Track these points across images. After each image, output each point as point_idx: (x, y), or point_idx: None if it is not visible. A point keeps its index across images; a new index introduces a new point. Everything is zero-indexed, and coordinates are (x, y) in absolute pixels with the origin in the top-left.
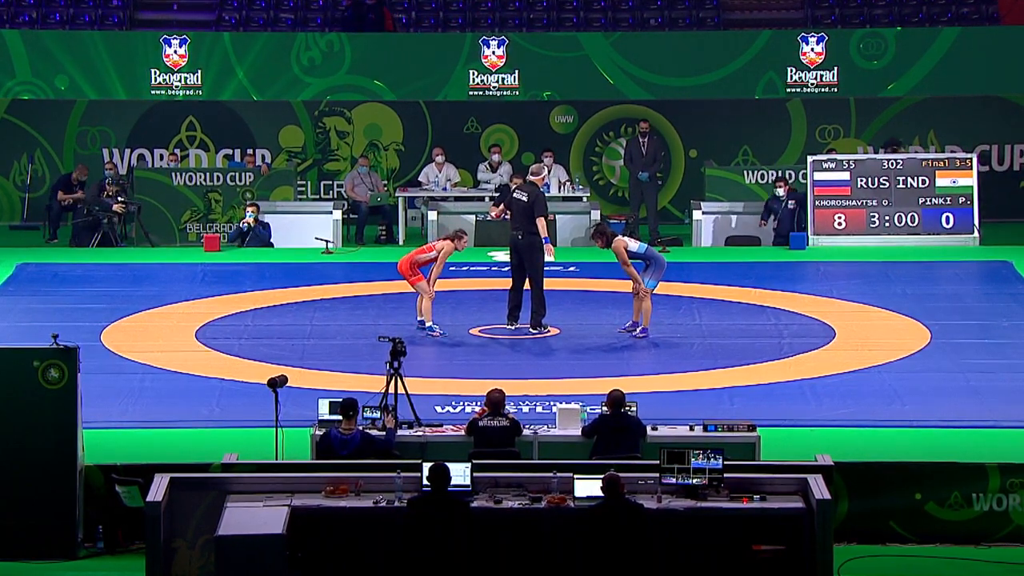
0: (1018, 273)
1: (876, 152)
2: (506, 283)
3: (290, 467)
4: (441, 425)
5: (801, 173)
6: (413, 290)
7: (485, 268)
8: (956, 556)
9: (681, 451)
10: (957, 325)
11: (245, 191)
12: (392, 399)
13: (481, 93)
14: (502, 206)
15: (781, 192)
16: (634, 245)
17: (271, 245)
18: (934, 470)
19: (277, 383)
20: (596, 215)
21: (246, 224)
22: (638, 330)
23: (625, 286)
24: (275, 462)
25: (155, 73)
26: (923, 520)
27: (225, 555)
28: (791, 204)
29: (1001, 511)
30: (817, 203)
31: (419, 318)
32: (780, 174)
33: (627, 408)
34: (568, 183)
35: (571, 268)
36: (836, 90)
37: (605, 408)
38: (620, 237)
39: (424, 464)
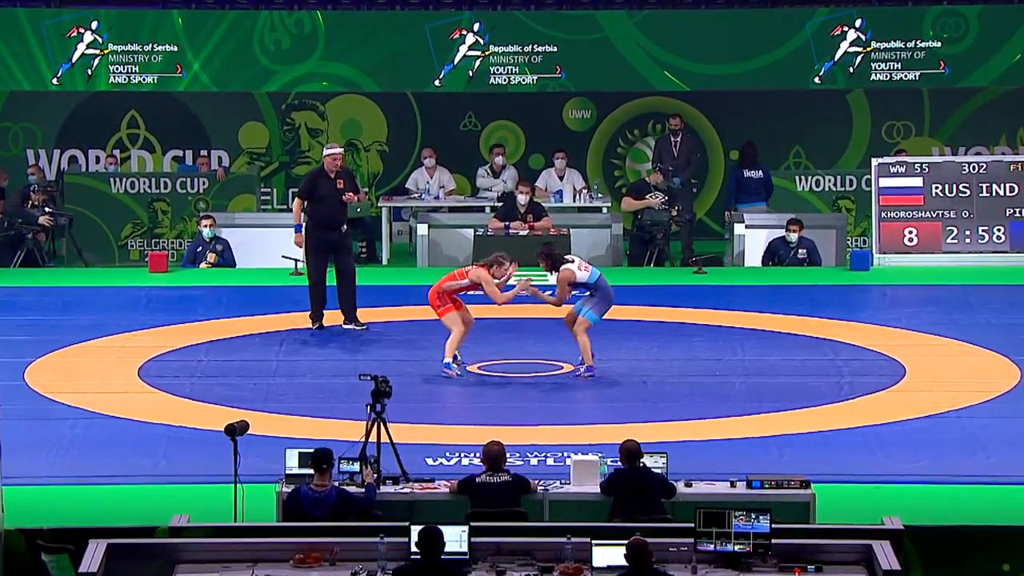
0: None
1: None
2: (514, 311)
3: (252, 531)
4: (432, 480)
5: (864, 179)
6: (442, 323)
7: (483, 293)
8: None
9: (720, 512)
10: None
11: (198, 200)
12: (374, 449)
13: (481, 83)
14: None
15: (792, 237)
16: (584, 275)
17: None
18: None
19: (236, 430)
20: (618, 228)
21: (208, 254)
22: (583, 369)
23: (657, 314)
24: (234, 524)
25: (90, 59)
26: None
27: None
28: (801, 253)
29: None
30: (883, 215)
31: (446, 359)
32: (794, 217)
33: (643, 461)
34: (585, 190)
35: (588, 292)
36: (906, 79)
37: (619, 462)
38: (568, 265)
39: (412, 527)
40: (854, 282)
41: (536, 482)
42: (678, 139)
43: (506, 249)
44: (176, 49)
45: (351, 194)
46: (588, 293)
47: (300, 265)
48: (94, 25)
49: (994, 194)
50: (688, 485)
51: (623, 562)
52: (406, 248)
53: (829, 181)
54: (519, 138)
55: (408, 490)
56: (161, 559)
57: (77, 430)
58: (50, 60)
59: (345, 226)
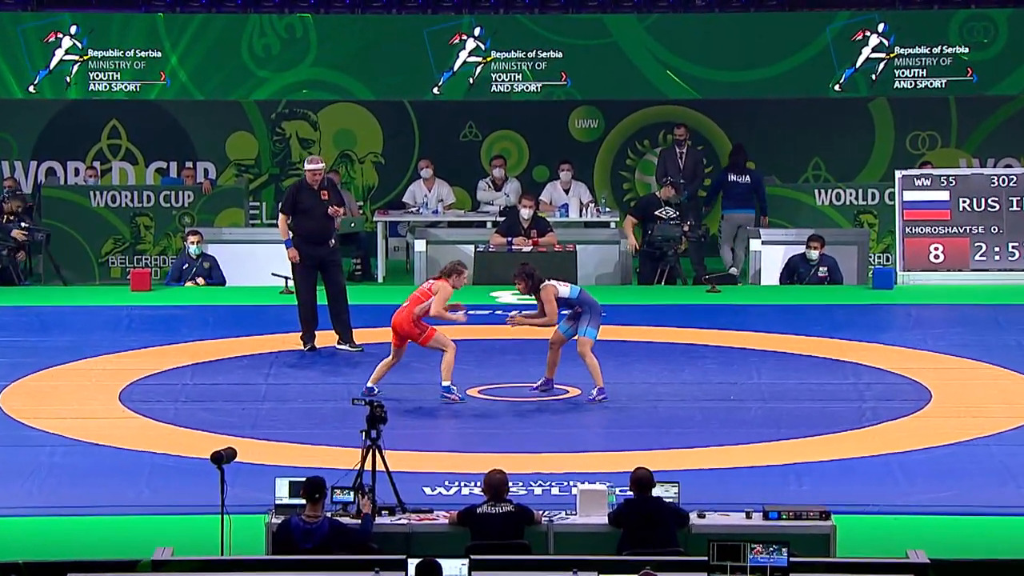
0: None
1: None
2: (517, 332)
3: (239, 564)
4: (431, 511)
5: (888, 192)
6: (429, 348)
7: (487, 312)
8: None
9: (735, 544)
10: None
11: (183, 215)
12: (369, 478)
13: (482, 91)
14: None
15: (813, 255)
16: (565, 290)
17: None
18: None
19: (223, 458)
20: (627, 245)
21: (197, 278)
22: (595, 391)
23: (668, 335)
24: (220, 558)
25: (69, 66)
26: None
27: None
28: (822, 271)
29: None
30: (908, 231)
31: (444, 383)
32: (815, 233)
33: (653, 490)
34: (592, 204)
35: (573, 310)
36: (932, 87)
37: (629, 491)
38: (549, 282)
39: (410, 560)
40: (877, 301)
41: (540, 513)
42: (683, 150)
43: (508, 266)
44: (159, 55)
45: (337, 208)
46: (575, 310)
47: (290, 283)
48: (73, 30)
49: None
50: (701, 516)
51: None
52: (403, 265)
53: (850, 195)
54: (522, 149)
55: (405, 521)
56: None
57: (55, 458)
58: (25, 66)
59: (333, 241)
